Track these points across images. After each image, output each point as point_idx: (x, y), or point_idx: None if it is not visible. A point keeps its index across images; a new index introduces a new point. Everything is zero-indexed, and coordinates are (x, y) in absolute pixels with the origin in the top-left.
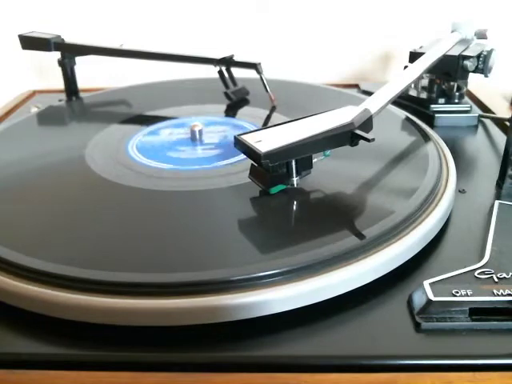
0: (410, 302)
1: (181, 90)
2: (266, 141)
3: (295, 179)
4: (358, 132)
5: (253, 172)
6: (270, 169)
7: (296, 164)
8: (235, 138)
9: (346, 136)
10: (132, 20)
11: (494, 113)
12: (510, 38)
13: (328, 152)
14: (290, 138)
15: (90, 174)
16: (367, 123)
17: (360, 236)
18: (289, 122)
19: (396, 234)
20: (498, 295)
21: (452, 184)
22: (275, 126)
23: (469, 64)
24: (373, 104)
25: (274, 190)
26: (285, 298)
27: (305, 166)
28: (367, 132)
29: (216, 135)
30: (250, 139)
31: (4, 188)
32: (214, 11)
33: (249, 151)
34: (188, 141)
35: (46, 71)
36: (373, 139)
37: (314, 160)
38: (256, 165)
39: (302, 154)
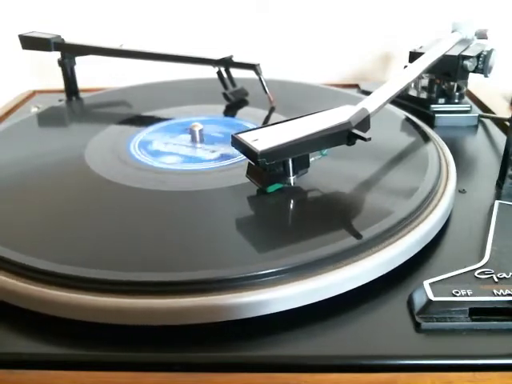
0: (409, 302)
1: (180, 90)
2: (263, 139)
3: (292, 178)
4: (355, 131)
5: (250, 171)
6: (267, 168)
7: (293, 163)
8: (232, 136)
9: (342, 135)
10: (132, 20)
11: (494, 113)
12: (510, 38)
13: (325, 151)
14: (286, 137)
15: (90, 174)
16: (364, 122)
17: (359, 236)
18: (286, 121)
19: (396, 233)
20: (498, 295)
21: (452, 184)
22: (272, 124)
23: (469, 64)
24: (370, 103)
25: (271, 188)
26: (285, 298)
27: (302, 164)
28: (364, 131)
29: (215, 135)
30: (247, 138)
31: (4, 188)
32: (214, 11)
33: (246, 150)
34: (188, 141)
35: (46, 71)
36: (369, 138)
37: (311, 159)
38: (253, 164)
39: (298, 152)
